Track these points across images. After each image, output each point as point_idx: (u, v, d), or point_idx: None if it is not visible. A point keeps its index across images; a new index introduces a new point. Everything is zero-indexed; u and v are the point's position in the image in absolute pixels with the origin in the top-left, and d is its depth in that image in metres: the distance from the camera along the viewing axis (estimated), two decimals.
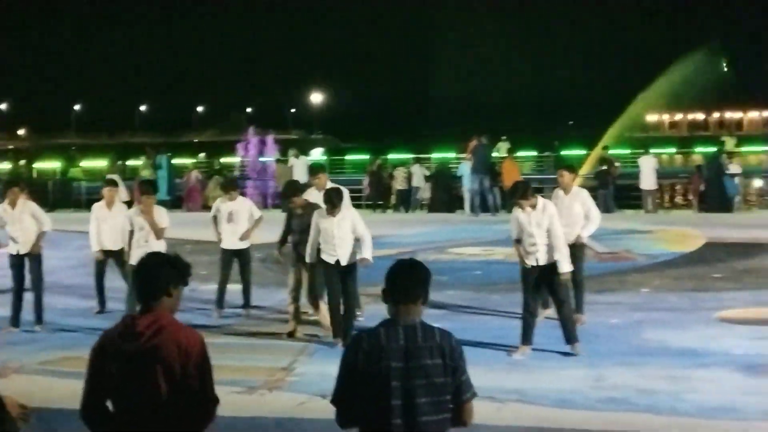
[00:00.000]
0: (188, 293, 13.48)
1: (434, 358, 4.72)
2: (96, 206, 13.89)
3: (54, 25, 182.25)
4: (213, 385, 4.88)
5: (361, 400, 4.78)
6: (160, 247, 11.98)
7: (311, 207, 11.93)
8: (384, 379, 4.68)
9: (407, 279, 4.92)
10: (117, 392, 4.78)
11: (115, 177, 17.40)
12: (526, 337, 10.67)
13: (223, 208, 13.51)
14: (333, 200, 11.21)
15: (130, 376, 4.71)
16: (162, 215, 12.62)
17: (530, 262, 10.81)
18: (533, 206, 10.77)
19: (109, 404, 4.87)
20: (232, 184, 14.56)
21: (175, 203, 28.68)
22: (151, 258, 5.08)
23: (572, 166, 13.64)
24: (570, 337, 10.61)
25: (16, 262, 12.66)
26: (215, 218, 13.53)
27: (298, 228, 11.99)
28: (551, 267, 10.73)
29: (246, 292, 13.52)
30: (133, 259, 12.31)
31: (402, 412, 4.66)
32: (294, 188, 12.61)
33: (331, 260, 11.33)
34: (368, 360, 4.72)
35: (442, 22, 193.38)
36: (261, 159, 34.50)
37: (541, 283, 10.89)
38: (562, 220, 11.26)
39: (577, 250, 11.78)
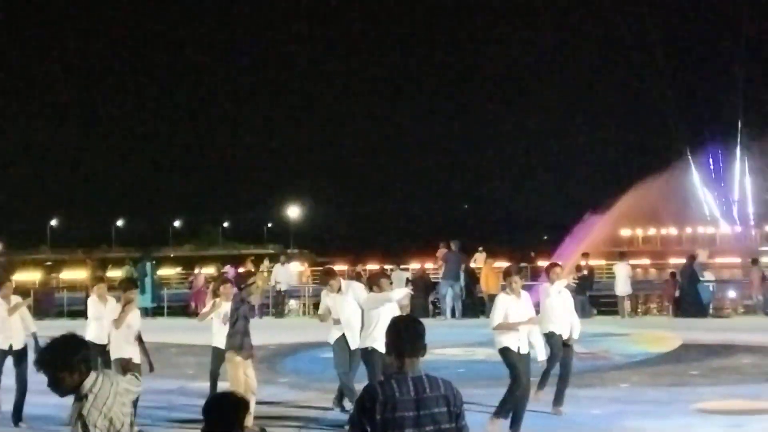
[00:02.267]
0: (178, 388, 13.80)
1: (440, 406, 5.04)
2: (90, 301, 13.96)
3: (31, 137, 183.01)
4: None
5: None
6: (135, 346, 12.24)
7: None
8: (398, 427, 4.96)
9: (413, 334, 5.23)
10: None
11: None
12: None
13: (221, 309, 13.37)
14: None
15: None
16: (137, 316, 12.63)
17: (513, 346, 11.16)
18: (519, 291, 11.30)
19: None
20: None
21: (157, 310, 28.94)
22: (227, 400, 5.48)
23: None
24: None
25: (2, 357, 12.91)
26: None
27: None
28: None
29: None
30: (115, 353, 12.53)
31: None
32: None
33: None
34: (384, 409, 4.97)
35: (412, 143, 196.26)
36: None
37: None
38: (557, 312, 12.14)
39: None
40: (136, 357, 12.22)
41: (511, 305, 11.17)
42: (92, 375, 5.22)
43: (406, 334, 5.24)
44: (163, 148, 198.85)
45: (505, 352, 11.09)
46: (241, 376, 11.87)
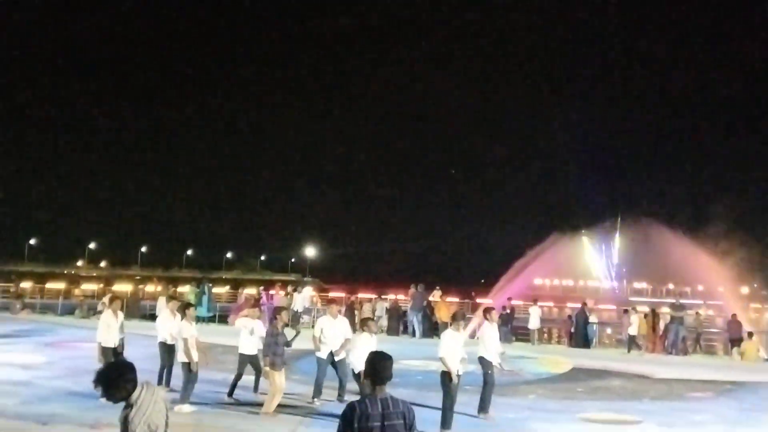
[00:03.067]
0: (223, 379, 13.57)
1: (399, 419, 5.06)
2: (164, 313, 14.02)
3: (126, 186, 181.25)
4: None
5: None
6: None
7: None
8: None
9: (384, 368, 5.23)
10: None
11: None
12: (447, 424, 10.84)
13: (249, 324, 13.46)
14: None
15: None
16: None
17: (455, 372, 11.07)
18: (461, 330, 11.37)
19: None
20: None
21: (211, 319, 28.67)
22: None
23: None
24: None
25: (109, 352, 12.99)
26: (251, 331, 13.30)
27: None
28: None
29: (257, 381, 13.38)
30: (182, 358, 12.28)
31: None
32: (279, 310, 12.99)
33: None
34: (360, 421, 5.00)
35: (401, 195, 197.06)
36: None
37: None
38: (493, 342, 12.14)
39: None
40: (196, 357, 12.14)
41: (455, 340, 11.18)
42: (138, 389, 5.15)
43: (379, 367, 5.24)
44: (222, 197, 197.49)
45: (444, 376, 11.01)
46: (278, 380, 11.82)
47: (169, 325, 13.52)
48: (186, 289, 33.89)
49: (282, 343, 11.94)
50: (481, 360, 12.15)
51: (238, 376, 13.15)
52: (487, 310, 13.17)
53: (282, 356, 11.95)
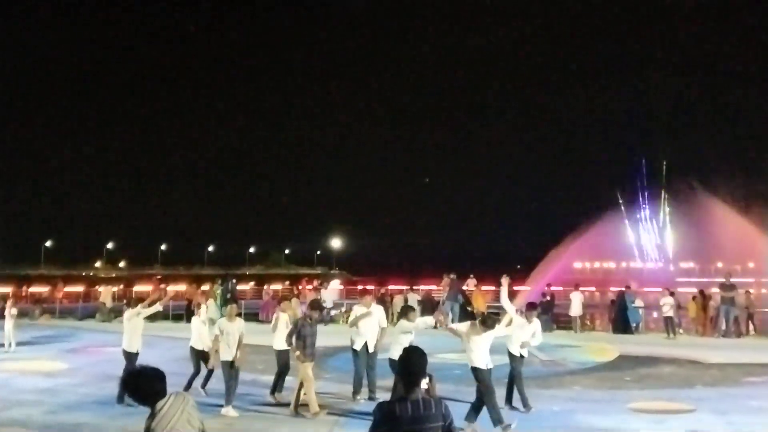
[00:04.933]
0: (252, 380, 13.67)
1: (431, 422, 4.87)
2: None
3: (144, 183, 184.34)
4: None
5: None
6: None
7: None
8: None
9: (418, 366, 5.07)
10: None
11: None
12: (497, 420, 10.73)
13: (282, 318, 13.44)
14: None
15: None
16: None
17: (483, 365, 10.96)
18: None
19: None
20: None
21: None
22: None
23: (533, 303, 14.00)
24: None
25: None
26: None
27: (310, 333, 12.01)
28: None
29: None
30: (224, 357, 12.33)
31: None
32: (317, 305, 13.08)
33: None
34: (387, 423, 4.90)
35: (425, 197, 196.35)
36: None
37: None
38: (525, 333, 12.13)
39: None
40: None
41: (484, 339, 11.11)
42: (166, 397, 5.09)
43: (413, 365, 5.14)
44: (243, 194, 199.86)
45: (475, 370, 10.98)
46: (310, 372, 11.81)
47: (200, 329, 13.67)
48: (212, 286, 34.02)
49: (311, 333, 11.94)
50: (509, 353, 12.24)
51: (279, 373, 13.23)
52: (529, 307, 13.12)
53: (311, 347, 11.95)
